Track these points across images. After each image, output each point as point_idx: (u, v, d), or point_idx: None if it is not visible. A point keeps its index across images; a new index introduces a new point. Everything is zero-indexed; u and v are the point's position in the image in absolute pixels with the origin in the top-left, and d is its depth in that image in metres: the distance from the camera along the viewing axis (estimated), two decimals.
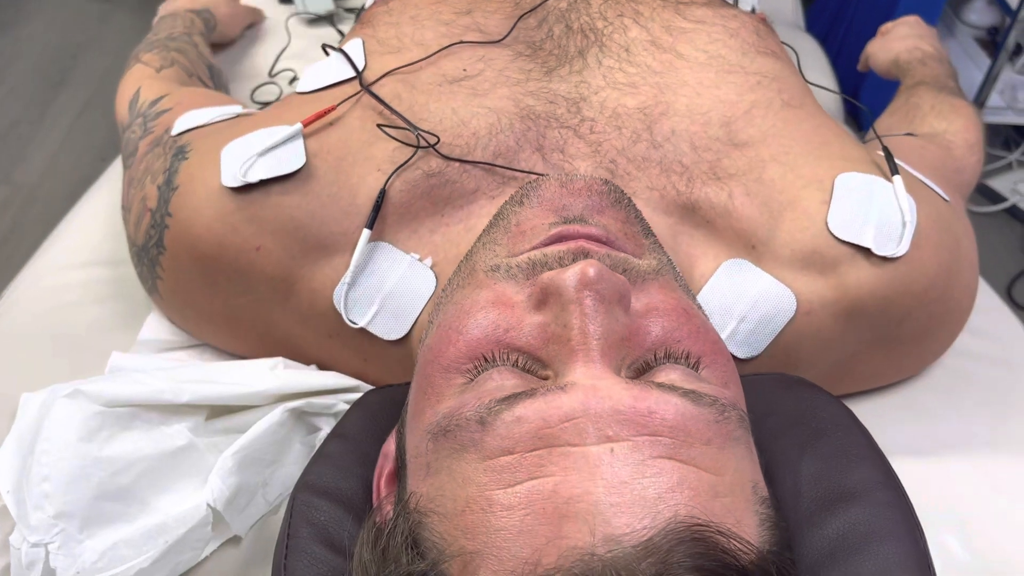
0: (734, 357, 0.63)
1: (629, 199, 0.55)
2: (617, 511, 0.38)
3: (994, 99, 1.99)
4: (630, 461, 0.40)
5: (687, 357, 0.47)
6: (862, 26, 1.99)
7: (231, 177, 0.64)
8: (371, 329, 0.63)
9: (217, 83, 0.99)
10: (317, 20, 1.27)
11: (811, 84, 0.77)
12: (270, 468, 0.62)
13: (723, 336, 0.63)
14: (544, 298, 0.46)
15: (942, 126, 0.89)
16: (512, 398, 0.42)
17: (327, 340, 0.66)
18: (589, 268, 0.45)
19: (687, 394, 0.43)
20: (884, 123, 0.98)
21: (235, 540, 0.61)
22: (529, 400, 0.42)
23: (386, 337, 0.63)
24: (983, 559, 0.62)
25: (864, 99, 1.94)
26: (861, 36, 1.22)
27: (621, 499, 0.38)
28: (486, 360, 0.46)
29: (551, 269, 0.48)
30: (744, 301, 0.63)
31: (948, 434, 0.71)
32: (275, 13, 1.29)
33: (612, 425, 0.41)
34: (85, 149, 2.00)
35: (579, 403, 0.41)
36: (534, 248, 0.50)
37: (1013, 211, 2.01)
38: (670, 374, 0.46)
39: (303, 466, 0.61)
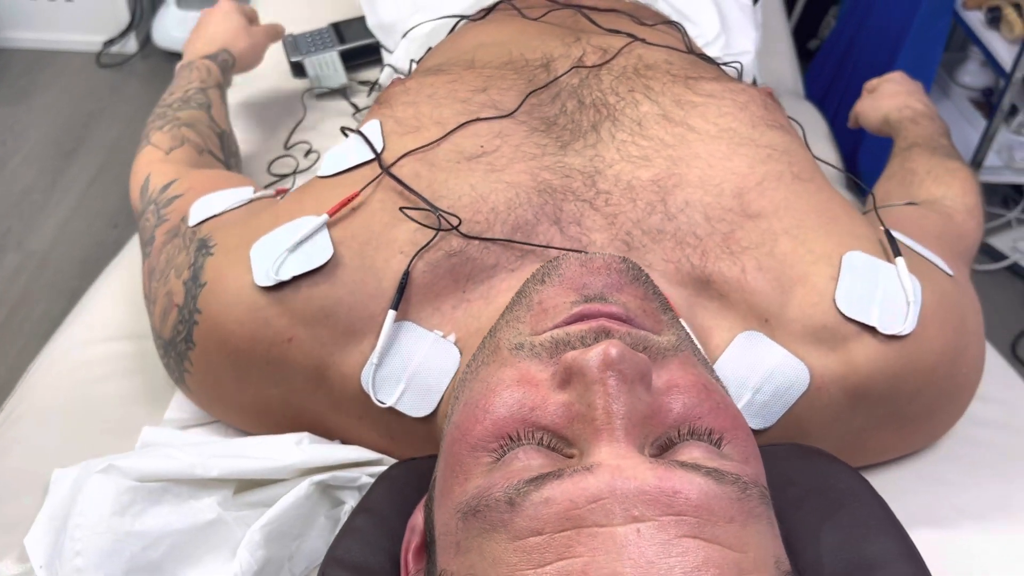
0: None
1: (647, 276, 0.56)
2: None
3: (991, 159, 2.03)
4: (656, 541, 0.41)
5: (709, 434, 0.48)
6: (860, 86, 2.04)
7: (263, 276, 0.65)
8: (399, 407, 0.64)
9: (227, 152, 0.99)
10: (331, 93, 1.31)
11: (816, 159, 0.80)
12: (296, 541, 0.63)
13: (738, 407, 0.64)
14: (568, 378, 0.48)
15: (940, 191, 0.91)
16: (540, 479, 0.43)
17: (356, 422, 0.67)
18: (611, 348, 0.46)
19: (710, 472, 0.44)
20: (882, 188, 0.99)
21: None
22: (556, 481, 0.43)
23: (413, 415, 0.64)
24: None
25: (863, 158, 1.98)
26: (859, 96, 1.26)
27: None
28: (511, 439, 0.47)
29: (574, 348, 0.49)
30: (758, 373, 0.64)
31: (965, 503, 0.72)
32: (290, 88, 1.32)
33: (638, 505, 0.42)
34: (96, 216, 2.04)
35: (605, 484, 0.42)
36: (556, 327, 0.52)
37: (1014, 269, 2.03)
38: (693, 451, 0.47)
39: (328, 539, 0.62)
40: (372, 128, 0.75)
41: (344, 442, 0.69)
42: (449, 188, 0.68)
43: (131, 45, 2.54)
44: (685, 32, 0.96)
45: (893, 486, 0.73)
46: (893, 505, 0.70)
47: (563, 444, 0.47)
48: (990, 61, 1.95)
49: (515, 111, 0.75)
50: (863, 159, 1.98)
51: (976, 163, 2.00)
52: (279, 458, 0.64)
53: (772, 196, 0.69)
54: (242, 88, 1.31)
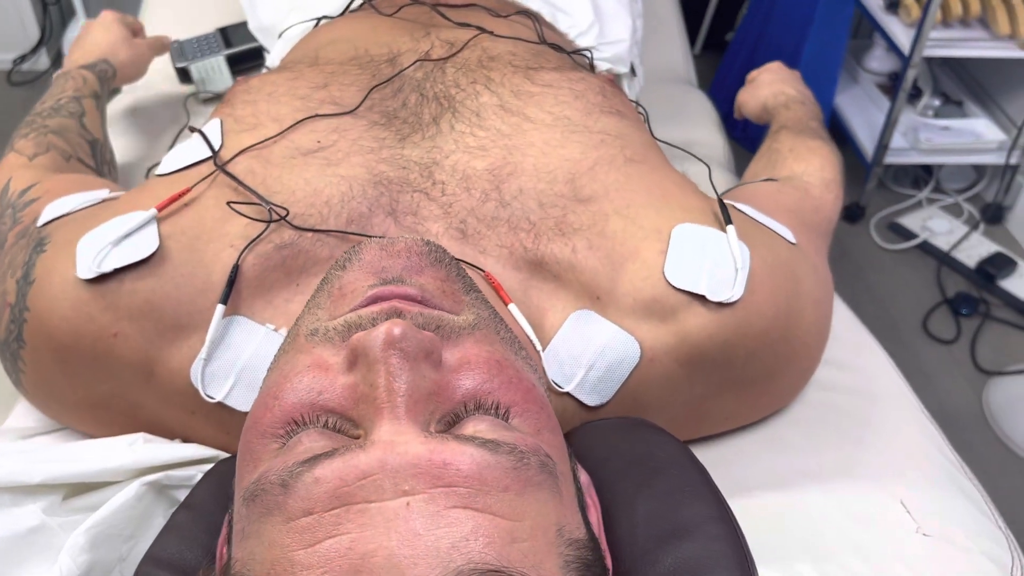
0: (584, 405, 0.65)
1: (451, 258, 0.57)
2: (411, 563, 0.40)
3: (897, 140, 2.07)
4: (425, 513, 0.41)
5: (496, 407, 0.48)
6: None
7: (86, 269, 0.64)
8: (228, 402, 0.64)
9: (99, 160, 0.97)
10: (216, 98, 1.30)
11: (660, 141, 0.81)
12: (128, 544, 0.62)
13: (572, 384, 0.64)
14: (354, 359, 0.48)
15: (800, 168, 0.93)
16: (313, 460, 0.43)
17: (190, 417, 0.66)
18: (395, 328, 0.47)
19: (485, 444, 0.44)
20: (752, 169, 1.02)
21: None
22: (328, 460, 0.43)
23: (242, 409, 0.63)
24: None
25: None
26: None
27: (415, 551, 0.40)
28: (297, 424, 0.47)
29: (364, 330, 0.49)
30: (591, 350, 0.65)
31: (809, 466, 0.73)
32: (178, 93, 1.31)
33: (408, 479, 0.42)
34: None
35: (376, 460, 0.43)
36: (352, 310, 0.52)
37: (924, 247, 2.07)
38: (478, 425, 0.47)
39: None
40: (212, 127, 0.75)
41: (184, 440, 0.68)
42: (283, 183, 0.68)
43: (43, 61, 2.51)
44: (538, 22, 0.97)
45: (741, 451, 0.75)
46: (739, 470, 0.72)
47: (350, 426, 0.48)
48: (890, 45, 2.00)
49: (356, 107, 0.75)
50: None
51: (883, 145, 2.04)
52: (109, 460, 0.63)
53: (604, 179, 0.70)
54: (128, 94, 1.30)
